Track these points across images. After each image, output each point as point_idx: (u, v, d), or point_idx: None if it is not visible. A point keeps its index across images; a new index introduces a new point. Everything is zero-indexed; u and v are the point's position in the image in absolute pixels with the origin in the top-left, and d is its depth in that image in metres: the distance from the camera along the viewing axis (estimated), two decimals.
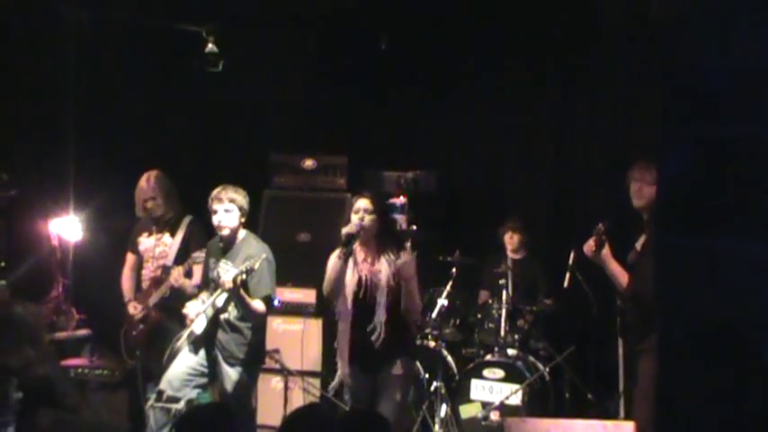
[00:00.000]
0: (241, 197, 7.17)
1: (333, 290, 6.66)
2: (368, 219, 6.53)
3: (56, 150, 9.39)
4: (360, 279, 6.59)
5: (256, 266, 6.88)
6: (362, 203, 6.57)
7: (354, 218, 6.56)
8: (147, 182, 8.12)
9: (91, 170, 9.36)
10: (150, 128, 9.68)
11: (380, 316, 6.50)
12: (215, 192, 7.16)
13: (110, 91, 9.65)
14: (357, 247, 6.63)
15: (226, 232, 7.19)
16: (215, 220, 7.16)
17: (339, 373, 6.77)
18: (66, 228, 9.02)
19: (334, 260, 6.62)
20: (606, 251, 6.78)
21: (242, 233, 7.30)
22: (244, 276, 6.87)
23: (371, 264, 6.60)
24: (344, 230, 6.58)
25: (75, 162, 9.38)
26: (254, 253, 7.05)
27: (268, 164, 9.65)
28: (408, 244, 6.60)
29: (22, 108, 9.43)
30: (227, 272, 7.07)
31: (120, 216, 8.71)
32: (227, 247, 7.28)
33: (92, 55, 9.32)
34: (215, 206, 7.12)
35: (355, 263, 6.62)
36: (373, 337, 6.50)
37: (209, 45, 8.96)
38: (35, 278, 9.09)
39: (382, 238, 6.62)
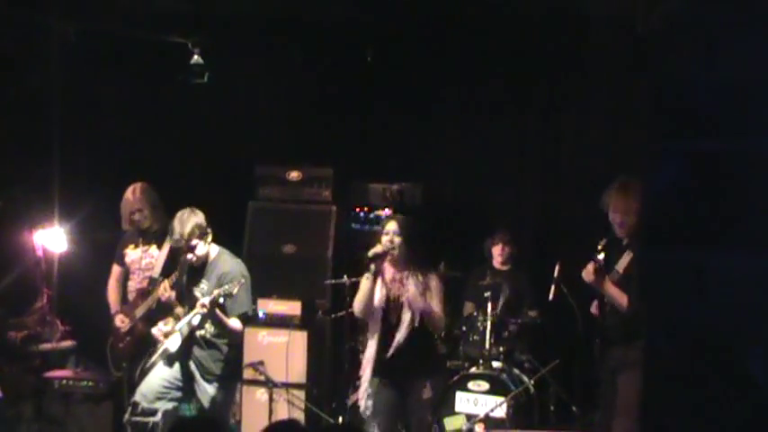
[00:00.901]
0: (195, 222, 7.15)
1: (363, 310, 6.93)
2: (396, 240, 6.79)
3: (41, 162, 9.37)
4: (387, 297, 6.86)
5: (234, 291, 6.92)
6: (392, 226, 6.85)
7: (384, 239, 6.83)
8: (132, 194, 8.11)
9: (76, 182, 9.35)
10: (136, 140, 9.68)
11: (403, 334, 6.77)
12: (174, 235, 7.22)
13: (95, 103, 9.66)
14: (386, 266, 6.88)
15: (201, 260, 7.25)
16: (187, 258, 7.27)
17: (363, 386, 6.98)
18: (51, 239, 9.01)
19: (363, 281, 6.89)
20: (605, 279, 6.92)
21: (214, 250, 7.31)
22: (221, 300, 6.91)
23: (399, 284, 6.84)
24: (372, 251, 6.82)
25: (61, 174, 9.37)
26: (228, 270, 7.09)
27: (253, 175, 9.65)
28: (442, 266, 7.16)
29: (7, 120, 9.40)
30: (202, 292, 7.09)
31: (105, 228, 8.71)
32: (200, 265, 7.29)
33: (78, 67, 9.31)
34: (180, 248, 7.22)
35: (384, 282, 6.86)
36: (390, 353, 6.78)
37: (195, 57, 8.96)
38: (20, 289, 9.07)
39: (410, 259, 6.85)
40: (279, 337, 8.91)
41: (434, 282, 6.86)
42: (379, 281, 6.85)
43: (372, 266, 6.78)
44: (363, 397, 6.99)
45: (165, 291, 7.66)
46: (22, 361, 8.77)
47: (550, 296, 8.27)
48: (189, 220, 7.13)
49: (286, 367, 8.86)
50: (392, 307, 6.85)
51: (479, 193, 9.83)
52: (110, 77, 9.62)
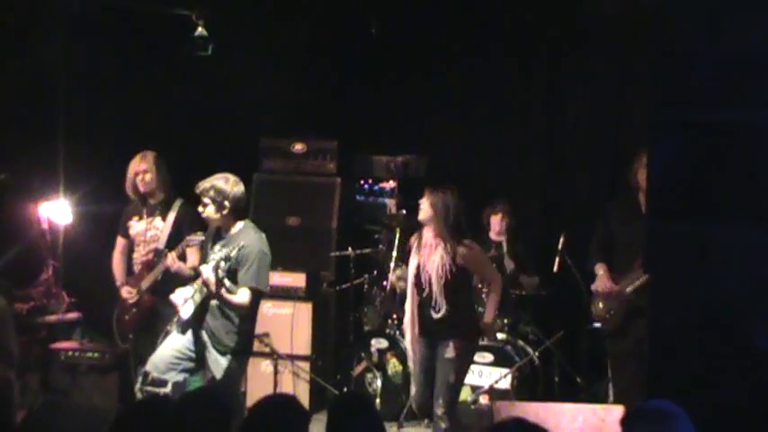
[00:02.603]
0: (215, 185, 7.06)
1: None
2: (424, 212, 7.18)
3: (45, 134, 9.36)
4: (418, 265, 7.23)
5: (233, 254, 6.84)
6: (424, 198, 7.21)
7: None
8: (142, 157, 8.08)
9: (80, 154, 9.34)
10: (140, 112, 9.64)
11: (439, 301, 7.13)
12: (198, 183, 7.16)
13: (99, 75, 9.62)
14: (423, 234, 7.24)
15: (213, 224, 7.21)
16: (198, 210, 7.21)
17: (408, 348, 7.44)
18: (56, 211, 9.01)
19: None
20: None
21: (239, 224, 7.17)
22: (222, 264, 6.84)
23: (429, 253, 7.16)
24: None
25: (65, 146, 9.36)
26: (246, 243, 6.98)
27: (258, 148, 9.65)
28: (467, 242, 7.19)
29: (11, 92, 9.38)
30: (205, 266, 7.03)
31: (110, 200, 8.69)
32: (224, 236, 7.25)
33: (81, 39, 9.29)
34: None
35: (417, 249, 7.29)
36: (435, 316, 7.15)
37: (199, 29, 8.92)
38: (25, 261, 9.07)
39: (441, 230, 7.12)
40: (284, 309, 8.94)
41: (466, 252, 7.11)
42: (414, 248, 7.30)
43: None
44: (409, 358, 7.44)
45: (174, 262, 7.66)
46: (27, 332, 8.77)
47: (555, 268, 8.30)
48: (216, 178, 7.07)
49: (291, 339, 8.89)
50: (422, 273, 7.17)
51: (484, 166, 9.81)
52: (113, 49, 9.59)
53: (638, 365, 7.35)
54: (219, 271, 6.82)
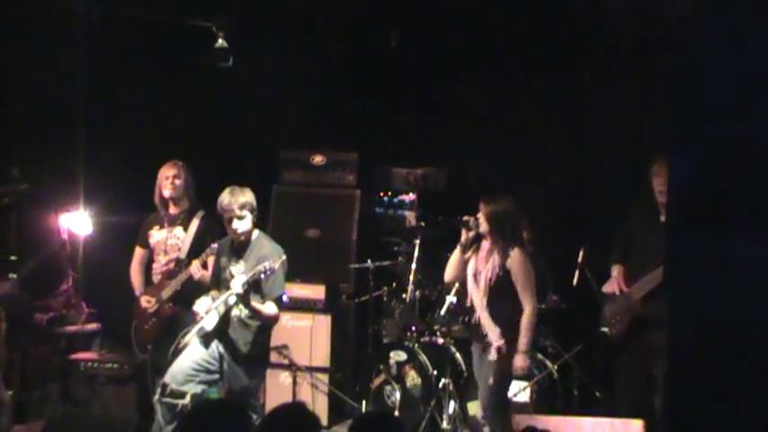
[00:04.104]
0: (249, 198, 7.24)
1: (448, 276, 7.73)
2: (482, 225, 7.35)
3: (66, 145, 9.41)
4: (475, 271, 7.45)
5: (276, 266, 6.93)
6: (481, 210, 7.37)
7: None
8: (173, 164, 8.16)
9: (101, 165, 9.38)
10: (160, 124, 9.68)
11: (481, 306, 7.38)
12: (224, 201, 7.19)
13: (120, 87, 9.66)
14: (483, 243, 7.46)
15: (243, 238, 7.26)
16: (231, 228, 7.23)
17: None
18: (77, 222, 9.04)
19: (455, 252, 7.59)
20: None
21: (255, 233, 7.33)
22: (262, 277, 6.92)
23: (483, 261, 7.39)
24: (465, 217, 7.47)
25: (86, 157, 9.41)
26: (266, 253, 7.08)
27: (278, 160, 9.66)
28: (517, 248, 7.38)
29: (33, 103, 9.43)
30: (239, 273, 7.10)
31: (130, 211, 8.72)
32: (239, 246, 7.31)
33: (102, 51, 9.33)
34: (228, 216, 7.18)
35: (475, 255, 7.50)
36: (473, 321, 7.50)
37: (220, 40, 8.95)
38: (45, 272, 9.12)
39: (495, 240, 7.34)
40: (303, 321, 8.94)
41: (515, 263, 7.28)
42: (473, 253, 7.49)
43: (462, 236, 7.47)
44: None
45: (198, 270, 7.69)
46: (47, 343, 8.83)
47: (575, 281, 8.30)
48: (241, 192, 7.22)
49: (310, 351, 8.89)
50: (478, 278, 7.38)
51: (504, 179, 9.79)
52: (135, 61, 9.63)
53: (640, 376, 7.41)
54: (251, 281, 6.93)
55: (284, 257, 7.18)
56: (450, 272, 7.65)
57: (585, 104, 9.67)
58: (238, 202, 7.15)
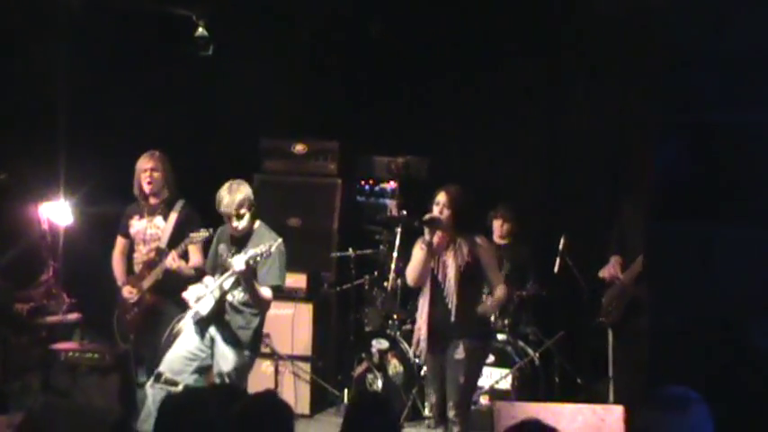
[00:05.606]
0: (247, 193, 7.25)
1: (416, 278, 7.18)
2: (445, 213, 7.02)
3: (46, 135, 9.37)
4: (435, 263, 7.11)
5: (272, 250, 6.96)
6: (442, 198, 7.06)
7: (435, 210, 7.06)
8: (151, 156, 8.12)
9: (81, 155, 9.34)
10: (140, 113, 9.65)
11: (451, 298, 7.01)
12: (223, 202, 7.19)
13: (100, 76, 9.62)
14: (438, 233, 7.08)
15: (245, 231, 7.28)
16: (231, 226, 7.26)
17: (421, 346, 7.23)
18: (57, 212, 9.01)
19: (416, 251, 7.16)
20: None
21: (256, 224, 7.36)
22: (258, 259, 6.94)
23: (444, 252, 7.07)
24: (427, 216, 7.04)
25: (66, 147, 9.37)
26: (266, 242, 7.11)
27: (259, 148, 9.65)
28: (482, 235, 7.22)
29: (12, 92, 9.39)
30: (238, 257, 7.11)
31: (110, 201, 8.69)
32: (241, 238, 7.32)
33: (82, 40, 9.29)
34: (227, 215, 7.21)
35: (432, 249, 7.07)
36: (451, 317, 7.00)
37: (200, 29, 8.93)
38: (26, 262, 9.08)
39: (457, 229, 7.07)
40: (284, 310, 8.93)
41: (483, 250, 7.09)
42: (426, 246, 7.07)
43: (426, 235, 7.01)
44: (421, 355, 7.45)
45: (174, 261, 7.69)
46: (28, 333, 8.80)
47: (555, 269, 8.33)
48: (239, 189, 7.21)
49: (292, 340, 8.90)
50: (438, 272, 7.07)
51: (485, 167, 9.80)
52: (115, 50, 9.59)
53: (636, 361, 7.43)
54: (251, 261, 6.97)
55: (280, 252, 7.18)
56: (415, 275, 7.19)
57: (568, 93, 9.67)
58: (236, 202, 7.15)
